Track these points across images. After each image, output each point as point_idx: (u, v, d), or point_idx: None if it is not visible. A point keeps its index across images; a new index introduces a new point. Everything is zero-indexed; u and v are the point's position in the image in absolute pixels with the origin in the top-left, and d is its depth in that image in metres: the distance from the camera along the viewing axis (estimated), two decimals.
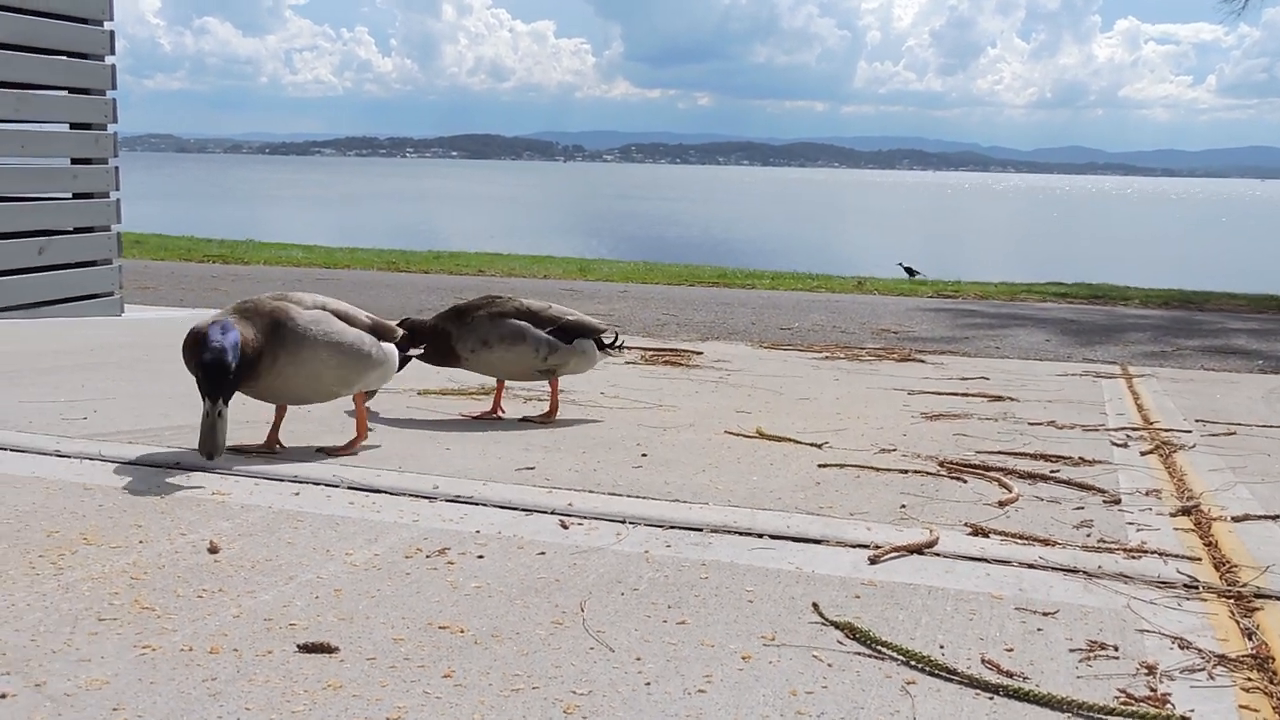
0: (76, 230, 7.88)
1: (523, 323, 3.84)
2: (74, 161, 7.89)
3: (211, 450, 2.54)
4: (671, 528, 2.34)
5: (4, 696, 1.42)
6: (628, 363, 5.91)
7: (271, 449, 2.97)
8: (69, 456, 2.79)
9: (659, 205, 62.31)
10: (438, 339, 3.83)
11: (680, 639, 1.70)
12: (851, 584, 1.99)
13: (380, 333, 3.16)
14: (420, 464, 2.87)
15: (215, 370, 2.56)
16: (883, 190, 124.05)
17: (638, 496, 2.59)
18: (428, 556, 2.07)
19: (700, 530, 2.32)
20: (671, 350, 6.64)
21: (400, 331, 3.30)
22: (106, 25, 7.96)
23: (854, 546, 2.22)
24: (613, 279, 14.58)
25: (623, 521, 2.37)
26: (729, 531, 2.32)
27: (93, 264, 7.99)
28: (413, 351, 3.51)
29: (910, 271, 17.51)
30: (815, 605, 1.84)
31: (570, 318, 3.97)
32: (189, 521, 2.25)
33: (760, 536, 2.29)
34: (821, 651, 1.66)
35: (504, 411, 3.92)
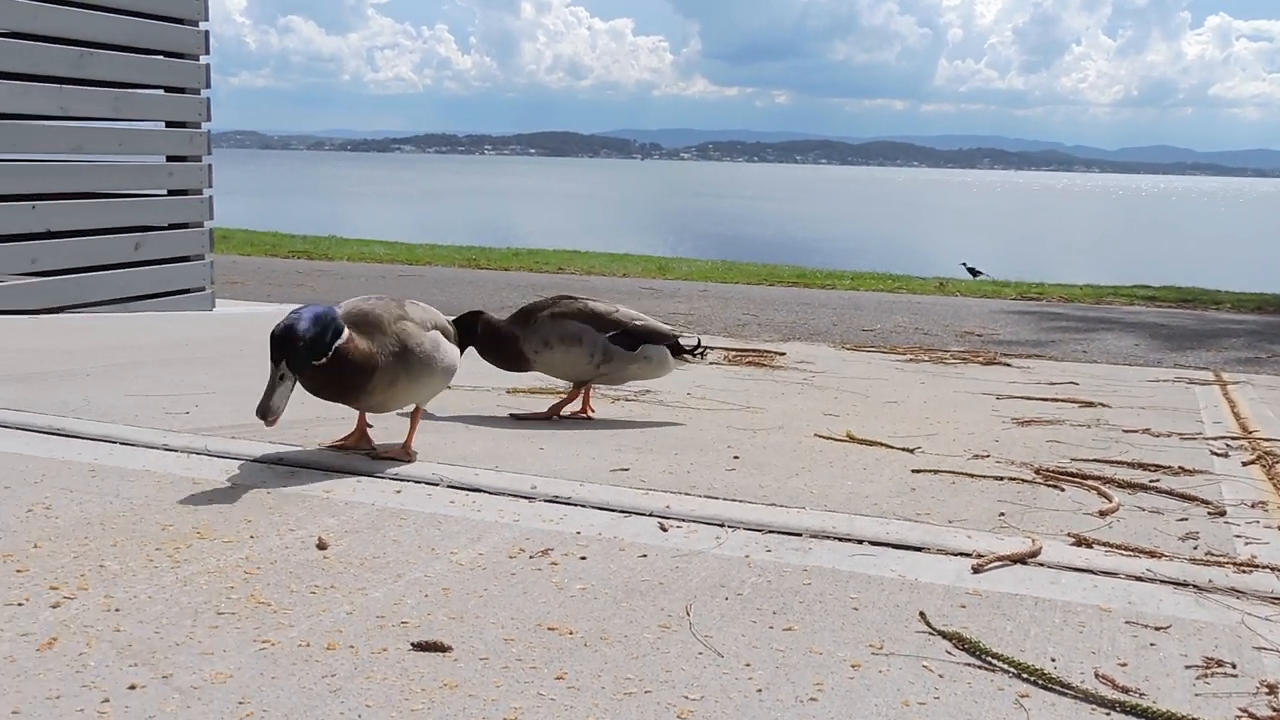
0: (171, 226, 8.06)
1: (584, 325, 3.78)
2: (169, 159, 8.08)
3: (265, 411, 2.52)
4: (770, 532, 2.34)
5: (134, 687, 1.47)
6: (712, 363, 5.91)
7: (369, 446, 3.00)
8: (177, 450, 2.85)
9: (736, 204, 62.15)
10: (508, 341, 3.83)
11: (788, 646, 1.70)
12: (956, 593, 1.97)
13: (450, 335, 3.13)
14: (516, 464, 2.90)
15: (283, 339, 2.54)
16: (963, 190, 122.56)
17: (734, 500, 2.59)
18: (531, 557, 2.10)
19: (799, 535, 2.32)
20: (755, 351, 6.63)
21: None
22: (201, 25, 8.13)
23: (955, 555, 2.21)
24: (692, 278, 14.58)
25: (721, 525, 2.37)
26: (828, 537, 2.31)
27: (186, 259, 8.17)
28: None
29: (973, 271, 17.29)
30: (922, 614, 1.83)
31: (638, 322, 3.88)
32: (296, 517, 2.29)
33: (860, 542, 2.28)
34: (931, 662, 1.66)
35: (593, 411, 3.91)
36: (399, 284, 12.27)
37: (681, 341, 4.00)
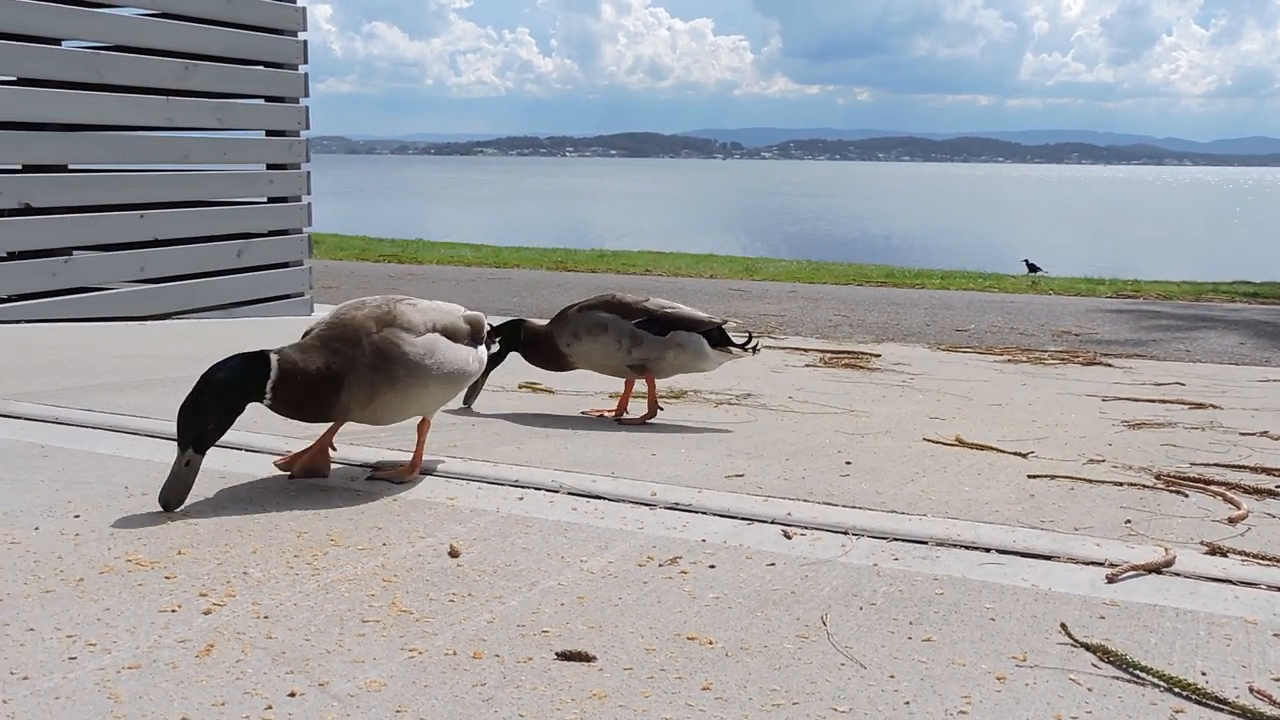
0: (271, 233, 8.22)
1: (608, 314, 3.79)
2: (269, 167, 8.23)
3: (165, 503, 2.33)
4: (895, 540, 2.33)
5: (293, 695, 1.50)
6: (808, 365, 5.89)
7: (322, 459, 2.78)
8: None
9: (818, 202, 61.78)
10: (545, 340, 3.87)
11: (930, 657, 1.69)
12: (1093, 604, 1.95)
13: (477, 335, 2.93)
14: (631, 470, 2.92)
15: (183, 423, 2.35)
16: (1050, 185, 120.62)
17: (854, 506, 2.58)
18: (660, 565, 2.11)
19: (925, 543, 2.30)
20: (849, 352, 6.59)
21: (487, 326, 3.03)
22: (300, 35, 8.28)
23: (1086, 564, 2.18)
24: (779, 279, 14.53)
25: (845, 532, 2.37)
26: (954, 545, 2.29)
27: (285, 265, 8.32)
28: (492, 349, 3.24)
29: (1032, 268, 17.00)
30: (1064, 626, 1.81)
31: (667, 309, 3.83)
32: (425, 525, 2.33)
33: (987, 551, 2.26)
34: (1078, 675, 1.64)
35: (628, 413, 3.89)
36: (488, 287, 12.38)
37: (729, 333, 3.92)
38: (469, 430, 3.43)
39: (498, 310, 9.71)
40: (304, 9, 8.33)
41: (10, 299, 6.46)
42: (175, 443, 2.35)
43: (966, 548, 2.28)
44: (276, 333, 6.52)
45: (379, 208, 48.02)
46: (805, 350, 6.69)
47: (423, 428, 2.82)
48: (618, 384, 4.42)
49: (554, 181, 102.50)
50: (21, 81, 6.70)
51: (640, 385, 3.90)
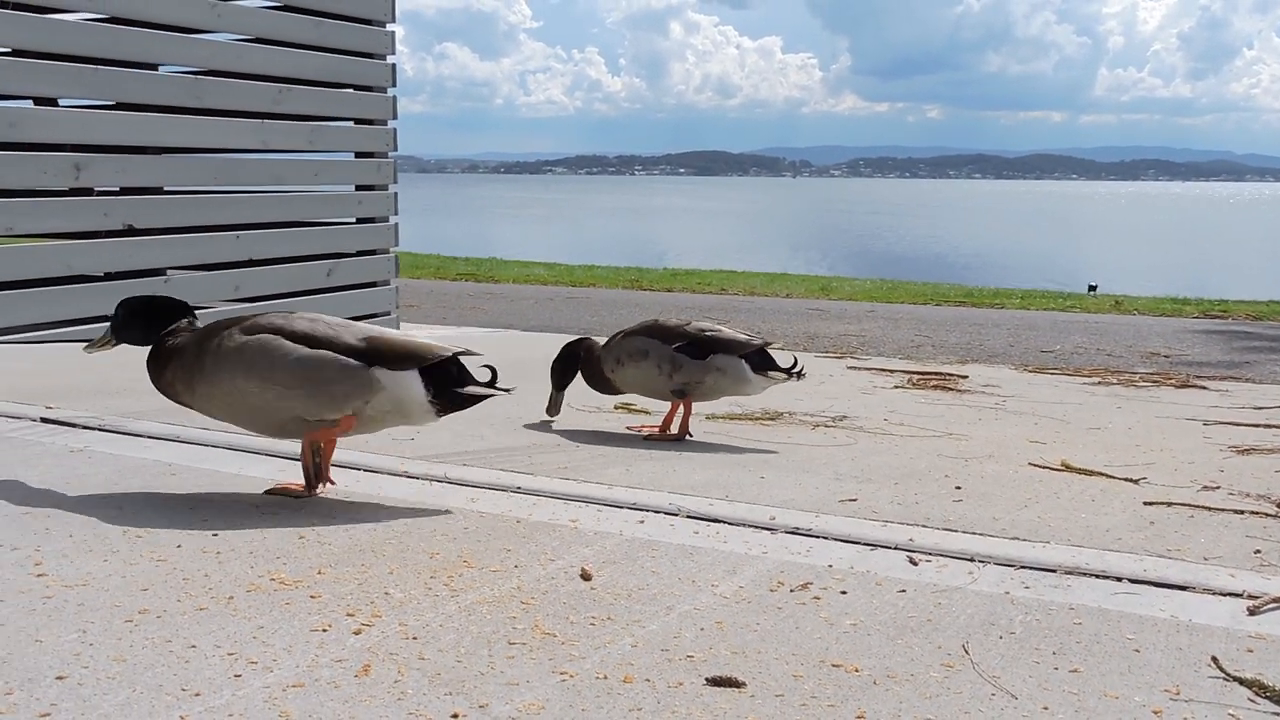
0: (359, 253, 8.34)
1: (651, 339, 3.84)
2: (358, 188, 8.36)
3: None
4: (1022, 567, 2.31)
5: (456, 716, 1.53)
6: (897, 387, 5.86)
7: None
8: (418, 478, 2.96)
9: (890, 220, 61.40)
10: (594, 364, 3.98)
11: (1080, 689, 1.69)
12: (1237, 636, 1.93)
13: (375, 356, 2.63)
14: (744, 493, 2.93)
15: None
16: (1126, 203, 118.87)
17: (974, 533, 2.57)
18: (791, 591, 2.12)
19: (1053, 571, 2.29)
20: (937, 373, 6.55)
21: (433, 357, 2.69)
22: (389, 59, 8.41)
23: (1224, 595, 2.15)
24: (856, 298, 14.46)
25: (970, 559, 2.36)
26: (1083, 574, 2.28)
27: (373, 285, 8.44)
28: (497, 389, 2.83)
29: (1092, 288, 16.85)
30: (1215, 659, 1.79)
31: (707, 333, 3.85)
32: (552, 547, 2.36)
33: (1119, 580, 2.24)
34: (1237, 710, 1.62)
35: (691, 434, 3.91)
36: (566, 306, 12.45)
37: (774, 357, 3.92)
38: (574, 452, 3.47)
39: (579, 329, 9.77)
40: (393, 33, 8.47)
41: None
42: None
43: (1097, 576, 2.26)
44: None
45: (451, 226, 48.51)
46: (891, 371, 6.65)
47: (305, 441, 2.70)
48: (712, 406, 4.44)
49: (622, 199, 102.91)
50: (121, 106, 6.87)
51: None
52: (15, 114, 6.18)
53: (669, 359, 3.79)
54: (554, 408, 4.05)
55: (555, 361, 4.06)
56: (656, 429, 3.93)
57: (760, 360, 3.87)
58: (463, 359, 2.76)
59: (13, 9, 6.25)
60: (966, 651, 1.83)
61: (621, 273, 18.41)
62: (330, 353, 2.60)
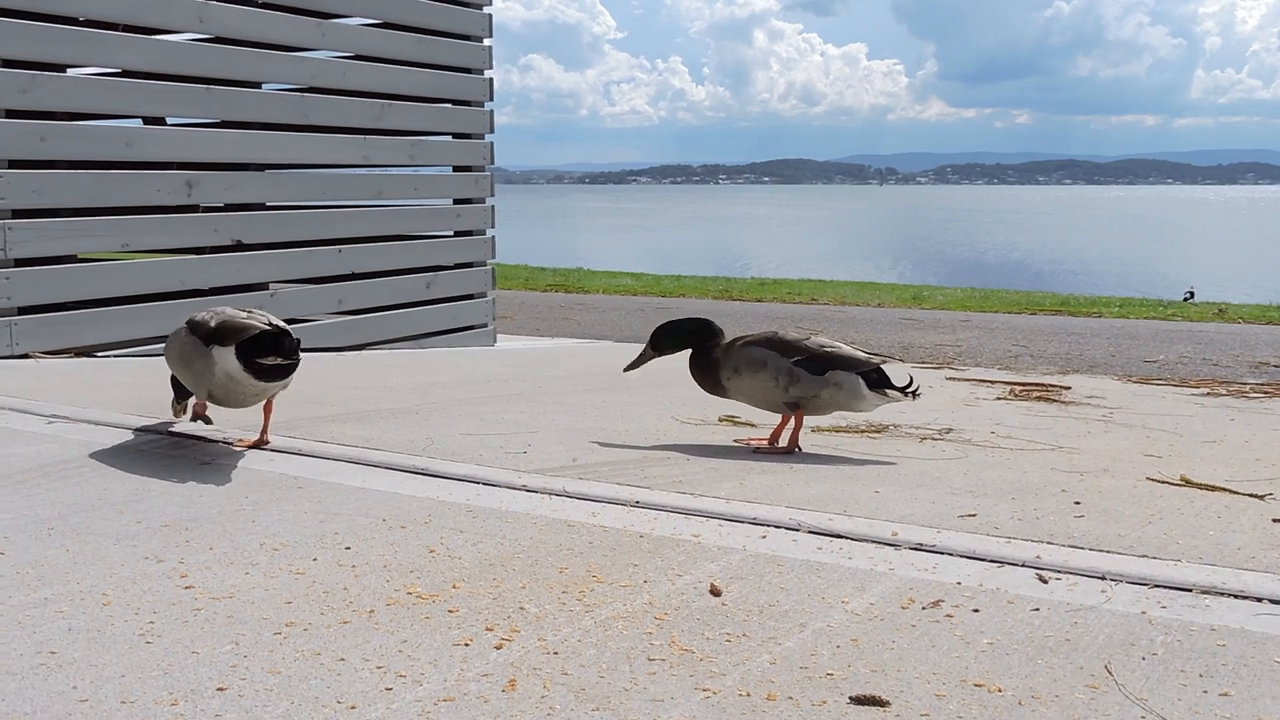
0: (457, 266, 8.45)
1: (768, 351, 3.82)
2: (456, 201, 8.48)
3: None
4: (1156, 586, 2.28)
5: None
6: (999, 398, 5.79)
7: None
8: (537, 491, 2.99)
9: (979, 228, 60.59)
10: (712, 367, 3.93)
11: (1232, 713, 1.66)
12: None
13: (212, 335, 3.26)
14: (861, 508, 2.92)
15: None
16: (1224, 207, 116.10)
17: (1102, 550, 2.54)
18: (924, 608, 2.11)
19: (1189, 591, 2.25)
20: (1039, 385, 6.46)
21: (247, 333, 3.22)
22: (486, 74, 8.52)
23: None
24: (949, 307, 14.31)
25: (1101, 577, 2.33)
26: (1220, 593, 2.24)
27: (470, 297, 8.54)
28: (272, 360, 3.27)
29: (1190, 295, 16.47)
30: None
31: (827, 349, 3.85)
32: (678, 563, 2.37)
33: (1259, 600, 2.19)
34: None
35: (800, 448, 3.89)
36: (658, 316, 12.48)
37: (890, 375, 3.90)
38: (686, 465, 3.48)
39: None
40: (489, 48, 8.58)
41: None
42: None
43: (1235, 596, 2.22)
44: (472, 363, 6.70)
45: (537, 236, 48.89)
46: (991, 382, 6.58)
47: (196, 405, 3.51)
48: (817, 419, 4.43)
49: (707, 208, 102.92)
50: (227, 124, 7.05)
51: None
52: (131, 133, 6.37)
53: (787, 372, 3.80)
54: (634, 364, 4.06)
55: (672, 327, 3.99)
56: (765, 441, 3.93)
57: (877, 378, 3.87)
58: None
59: (123, 30, 6.45)
60: (1110, 672, 1.81)
61: (709, 282, 18.42)
62: None
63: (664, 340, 3.99)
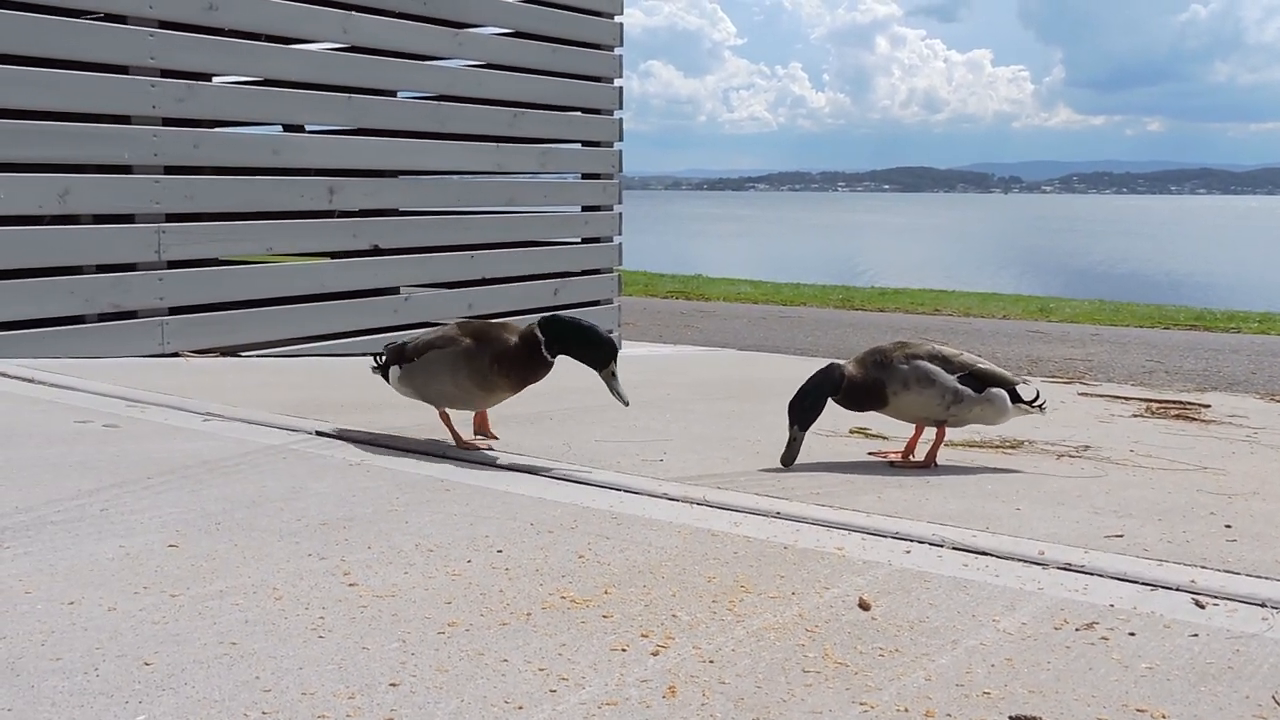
0: (584, 272, 8.55)
1: (936, 367, 3.78)
2: (584, 209, 8.58)
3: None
4: None
5: None
6: (1135, 415, 5.67)
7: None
8: (678, 500, 3.03)
9: (1108, 239, 59.11)
10: (875, 388, 3.79)
11: None
12: None
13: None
14: (1003, 525, 2.90)
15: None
16: None
17: (1260, 576, 2.49)
18: (1077, 630, 2.09)
19: None
20: (1177, 402, 6.30)
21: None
22: (616, 82, 8.60)
23: None
24: (1077, 320, 14.01)
25: (1262, 605, 2.28)
26: None
27: (597, 303, 8.63)
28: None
29: None
30: None
31: (982, 365, 3.87)
32: (824, 575, 2.39)
33: None
34: None
35: (938, 463, 3.85)
36: (779, 325, 12.46)
37: (1020, 390, 3.92)
38: (822, 477, 3.49)
39: (796, 349, 9.76)
40: (620, 56, 8.67)
41: (357, 333, 6.97)
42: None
43: None
44: (586, 371, 6.75)
45: (655, 242, 49.06)
46: (1126, 399, 6.44)
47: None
48: (951, 433, 4.39)
49: (826, 216, 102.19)
50: (363, 131, 7.24)
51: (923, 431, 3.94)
52: (277, 140, 6.59)
53: (953, 390, 3.78)
54: (791, 454, 3.68)
55: (802, 394, 3.74)
56: (900, 455, 3.91)
57: (1013, 394, 3.88)
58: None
59: (265, 40, 6.67)
60: (1277, 702, 1.77)
61: (830, 291, 18.31)
62: None
63: (803, 413, 3.72)
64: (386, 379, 3.80)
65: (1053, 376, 8.22)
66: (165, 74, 5.94)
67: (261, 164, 6.43)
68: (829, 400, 3.91)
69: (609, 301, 8.72)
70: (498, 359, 3.50)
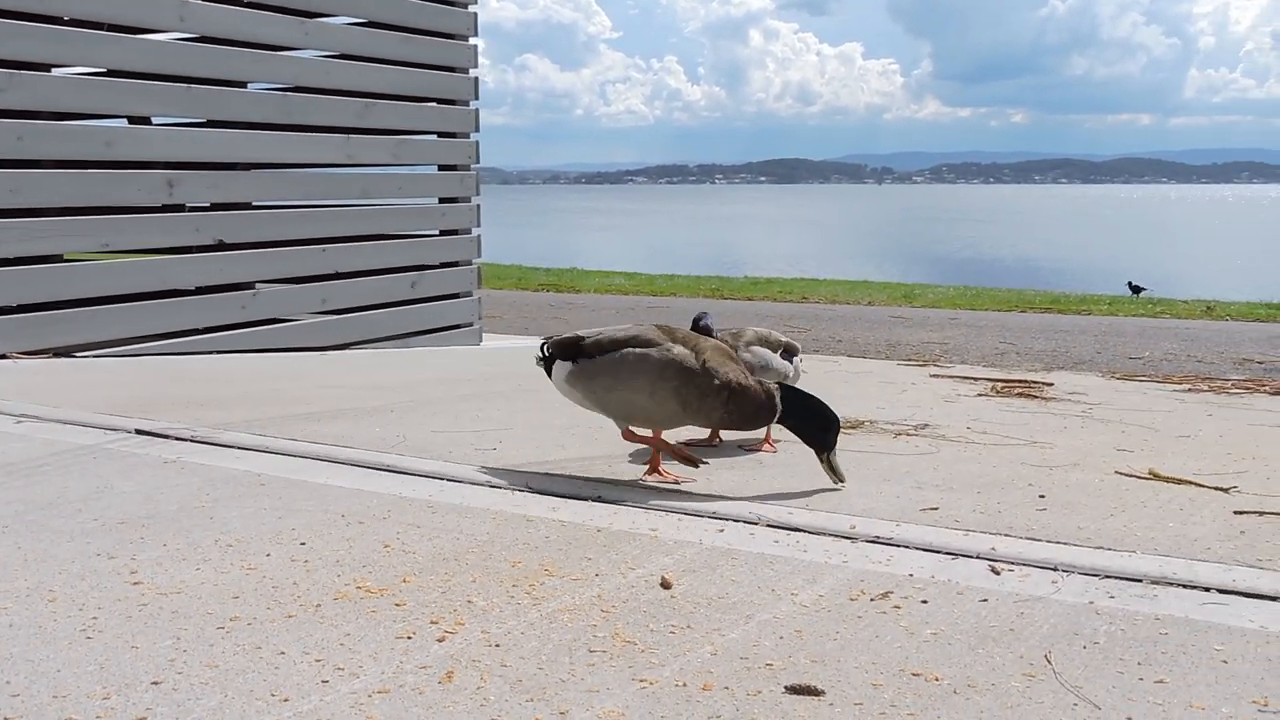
0: (442, 265, 8.45)
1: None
2: (441, 200, 8.48)
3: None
4: (1107, 577, 2.28)
5: None
6: (980, 394, 5.79)
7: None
8: (502, 488, 3.00)
9: (973, 227, 60.60)
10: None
11: (1165, 699, 1.66)
12: None
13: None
14: (824, 502, 2.92)
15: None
16: (1218, 206, 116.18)
17: (1058, 542, 2.54)
18: (872, 600, 2.11)
19: (1139, 581, 2.25)
20: (1021, 381, 6.46)
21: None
22: (471, 72, 8.52)
23: None
24: (940, 305, 14.32)
25: (1054, 569, 2.33)
26: (1170, 583, 2.24)
27: (456, 296, 8.54)
28: None
29: (1135, 289, 16.39)
30: None
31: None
32: (632, 556, 2.38)
33: (1206, 590, 2.20)
34: None
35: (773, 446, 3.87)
36: (648, 315, 12.49)
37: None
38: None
39: None
40: (475, 47, 8.58)
41: (203, 330, 6.78)
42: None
43: (1184, 586, 2.22)
44: (455, 363, 6.70)
45: (531, 236, 48.86)
46: (975, 379, 6.58)
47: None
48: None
49: (703, 208, 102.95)
50: (211, 124, 7.05)
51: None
52: (111, 133, 6.37)
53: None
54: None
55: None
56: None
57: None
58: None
59: (108, 29, 6.45)
60: (1049, 661, 1.81)
61: (702, 281, 18.43)
62: None
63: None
64: (549, 374, 3.28)
65: (909, 359, 8.38)
66: None
67: (94, 157, 6.20)
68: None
69: (468, 294, 8.64)
70: (731, 390, 3.04)
